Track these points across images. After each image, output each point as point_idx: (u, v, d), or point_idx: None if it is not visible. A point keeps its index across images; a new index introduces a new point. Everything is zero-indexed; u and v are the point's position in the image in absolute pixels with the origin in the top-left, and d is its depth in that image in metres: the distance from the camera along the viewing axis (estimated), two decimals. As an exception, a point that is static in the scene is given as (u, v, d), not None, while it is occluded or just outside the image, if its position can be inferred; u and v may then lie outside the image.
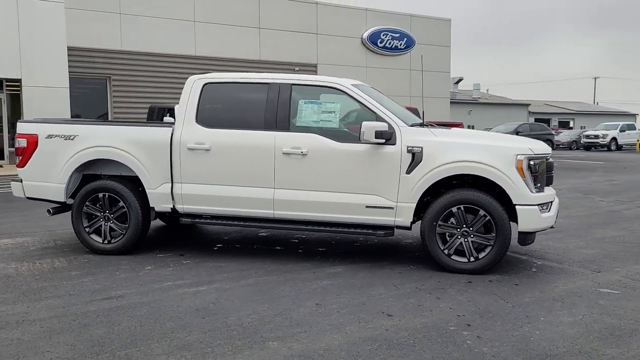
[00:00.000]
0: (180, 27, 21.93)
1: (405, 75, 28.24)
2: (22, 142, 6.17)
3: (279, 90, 5.76)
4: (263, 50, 24.00)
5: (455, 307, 4.43)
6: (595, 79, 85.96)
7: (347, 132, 5.71)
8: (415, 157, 5.38)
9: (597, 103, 68.41)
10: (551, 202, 5.55)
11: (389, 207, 5.47)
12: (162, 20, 21.45)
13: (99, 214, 6.06)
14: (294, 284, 5.02)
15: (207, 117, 5.88)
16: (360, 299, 4.62)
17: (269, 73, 6.12)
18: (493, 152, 5.35)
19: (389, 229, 5.59)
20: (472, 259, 5.38)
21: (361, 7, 26.84)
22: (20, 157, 6.19)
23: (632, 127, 36.60)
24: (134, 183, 6.10)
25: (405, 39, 27.85)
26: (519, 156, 5.29)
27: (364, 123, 5.36)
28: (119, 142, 5.93)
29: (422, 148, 5.38)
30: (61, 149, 6.05)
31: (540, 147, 5.56)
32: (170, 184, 5.87)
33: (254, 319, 4.13)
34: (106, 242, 6.05)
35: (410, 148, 5.40)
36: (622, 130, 34.68)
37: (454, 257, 5.42)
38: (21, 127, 6.25)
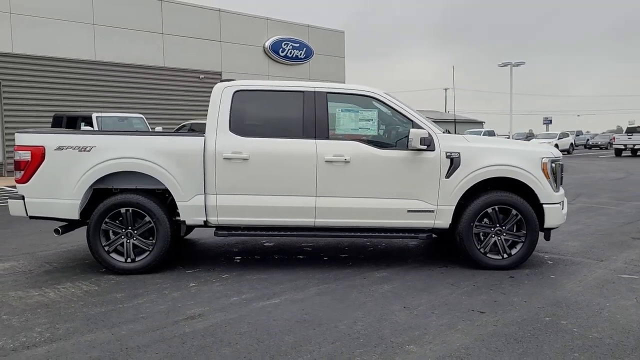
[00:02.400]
0: (78, 30, 20.40)
1: (305, 85, 28.68)
2: (24, 155, 5.51)
3: (314, 98, 5.75)
4: (167, 57, 23.10)
5: (528, 300, 4.76)
6: (445, 89, 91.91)
7: (385, 139, 5.85)
8: (454, 162, 5.68)
9: (448, 111, 74.11)
10: (564, 200, 6.14)
11: (429, 211, 5.70)
12: (58, 22, 19.81)
13: (120, 231, 5.60)
14: (360, 290, 5.05)
15: (241, 125, 5.70)
16: (437, 299, 4.79)
17: (295, 81, 6.05)
18: (522, 156, 5.82)
19: (427, 231, 5.82)
20: (505, 255, 5.79)
21: (262, 16, 26.88)
22: (23, 172, 5.52)
23: (492, 134, 40.29)
24: (157, 196, 5.74)
25: (305, 48, 28.37)
26: (543, 159, 5.80)
27: (411, 130, 5.55)
28: (146, 153, 5.53)
29: (459, 153, 5.69)
30: (75, 162, 5.50)
31: (556, 151, 6.13)
32: (203, 196, 5.60)
33: (363, 325, 4.13)
34: (129, 260, 5.60)
35: (449, 154, 5.68)
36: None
37: (489, 255, 5.79)
38: (23, 139, 5.58)
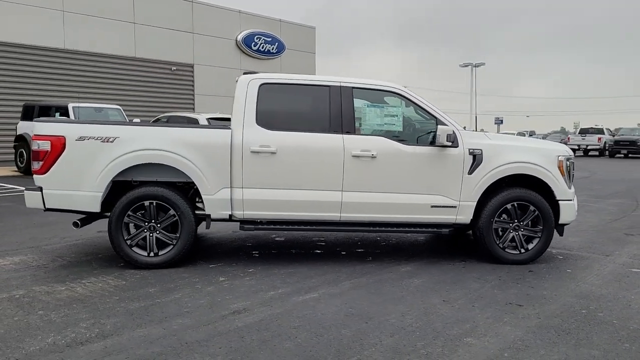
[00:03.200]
0: (47, 17, 19.68)
1: (276, 79, 28.55)
2: (43, 145, 5.31)
3: (340, 93, 5.75)
4: (139, 47, 22.54)
5: (557, 293, 4.91)
6: (405, 87, 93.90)
7: (408, 135, 5.90)
8: (477, 159, 5.79)
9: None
10: (575, 197, 6.36)
11: (452, 206, 5.80)
12: (23, 7, 19.05)
13: (143, 224, 5.47)
14: (392, 284, 5.10)
15: (267, 119, 5.64)
16: (470, 293, 4.88)
17: (319, 75, 6.02)
18: (540, 153, 5.98)
19: (449, 227, 5.92)
20: (522, 250, 5.95)
21: (235, 9, 26.58)
22: (41, 162, 5.32)
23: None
24: (180, 189, 5.63)
25: (277, 43, 28.23)
26: (560, 157, 5.99)
27: (439, 127, 5.62)
28: (172, 144, 5.42)
29: (482, 150, 5.81)
30: (97, 153, 5.34)
31: (569, 149, 6.33)
32: (229, 189, 5.53)
33: (412, 319, 4.18)
34: (152, 254, 5.48)
35: (472, 150, 5.79)
36: None
37: (507, 250, 5.94)
38: (43, 128, 5.37)
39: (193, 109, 24.07)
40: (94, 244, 6.58)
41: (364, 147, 5.65)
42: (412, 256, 6.25)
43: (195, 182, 5.48)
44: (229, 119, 15.79)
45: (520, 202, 5.90)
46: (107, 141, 5.35)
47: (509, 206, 5.89)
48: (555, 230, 6.07)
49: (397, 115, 5.87)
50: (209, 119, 14.49)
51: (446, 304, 4.56)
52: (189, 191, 5.72)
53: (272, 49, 28.03)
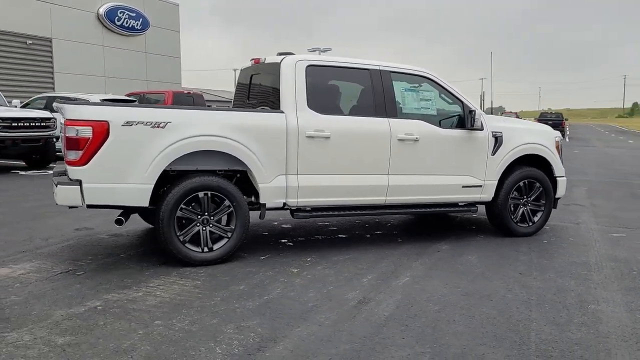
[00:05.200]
0: None
1: (141, 58, 26.80)
2: (84, 132, 4.55)
3: (380, 76, 5.77)
4: (-12, 17, 19.53)
5: (597, 260, 5.54)
6: (234, 70, 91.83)
7: (441, 119, 6.09)
8: (498, 141, 6.22)
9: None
10: None
11: (479, 186, 6.18)
12: None
13: (196, 218, 4.99)
14: (456, 262, 5.32)
15: (317, 102, 5.45)
16: (534, 265, 5.25)
17: (358, 59, 5.92)
18: (544, 135, 6.63)
19: (475, 205, 6.29)
20: (530, 223, 6.56)
21: (94, -21, 24.23)
22: (81, 152, 4.56)
23: None
24: (229, 178, 5.24)
25: (141, 19, 26.39)
26: (556, 138, 6.70)
27: (477, 111, 5.93)
28: (226, 130, 4.99)
29: (502, 133, 6.25)
30: (147, 140, 4.73)
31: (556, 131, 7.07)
32: (284, 176, 5.27)
33: (526, 293, 4.43)
34: (206, 250, 5.03)
35: (495, 133, 6.21)
36: None
37: (519, 224, 6.50)
38: (82, 111, 4.58)
39: (53, 88, 21.58)
40: (95, 243, 5.80)
41: (408, 131, 5.75)
42: (434, 237, 6.52)
43: (251, 170, 5.12)
44: (124, 101, 14.56)
45: (530, 180, 6.48)
46: (158, 126, 4.76)
47: (521, 184, 6.44)
48: (556, 203, 6.80)
49: (430, 99, 6.06)
50: (104, 100, 13.23)
51: (524, 276, 4.92)
52: (231, 179, 5.33)
53: (137, 25, 26.17)
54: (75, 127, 4.55)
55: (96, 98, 14.01)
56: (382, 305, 4.07)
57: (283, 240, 6.10)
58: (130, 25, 25.75)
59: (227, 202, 5.06)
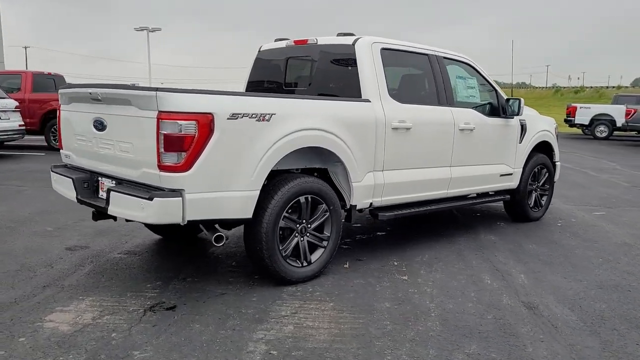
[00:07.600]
0: None
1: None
2: (188, 128, 3.51)
3: (437, 62, 5.45)
4: None
5: (617, 235, 5.96)
6: (25, 48, 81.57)
7: (482, 107, 5.92)
8: (524, 128, 6.31)
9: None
10: None
11: (511, 174, 6.23)
12: None
13: (295, 227, 4.21)
14: (485, 253, 5.26)
15: (394, 90, 4.95)
16: (558, 251, 5.41)
17: (412, 42, 5.45)
18: (549, 122, 6.91)
19: (506, 193, 6.32)
20: (540, 207, 6.83)
21: None
22: (185, 154, 3.51)
23: None
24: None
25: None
26: (554, 125, 7.04)
27: (521, 99, 5.91)
28: (329, 122, 4.28)
29: (525, 120, 6.36)
30: (253, 137, 3.83)
31: (550, 119, 7.40)
32: (372, 173, 4.71)
33: (583, 281, 4.58)
34: (305, 264, 4.29)
35: (522, 120, 6.29)
36: None
37: (532, 208, 6.72)
38: (180, 101, 3.50)
39: None
40: (125, 267, 4.61)
41: (466, 120, 5.53)
42: (453, 230, 6.44)
43: (347, 167, 4.46)
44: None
45: (540, 166, 6.72)
46: (263, 119, 3.88)
47: (536, 170, 6.65)
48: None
49: (474, 87, 5.90)
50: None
51: (602, 264, 5.09)
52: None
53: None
54: (178, 121, 3.49)
55: None
56: (495, 302, 3.86)
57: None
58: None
59: (324, 207, 4.36)
